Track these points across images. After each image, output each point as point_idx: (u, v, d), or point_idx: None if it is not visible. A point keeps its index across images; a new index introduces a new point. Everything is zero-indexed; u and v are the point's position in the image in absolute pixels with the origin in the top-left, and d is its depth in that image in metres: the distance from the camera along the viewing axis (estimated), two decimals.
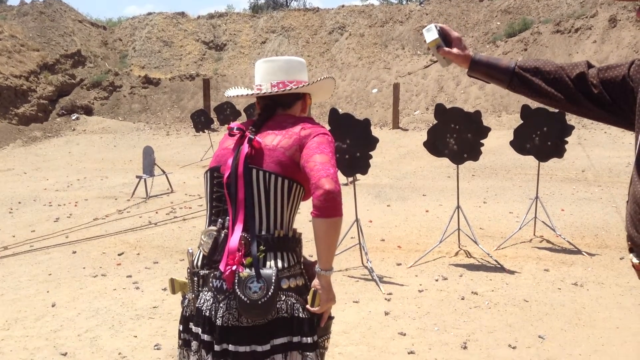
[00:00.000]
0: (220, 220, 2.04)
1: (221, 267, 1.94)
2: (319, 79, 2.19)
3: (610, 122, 1.88)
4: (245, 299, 1.87)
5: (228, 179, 2.01)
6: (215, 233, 2.02)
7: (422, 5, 25.71)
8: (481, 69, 1.96)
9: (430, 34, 1.98)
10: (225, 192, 2.02)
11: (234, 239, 1.94)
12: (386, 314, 4.28)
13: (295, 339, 1.95)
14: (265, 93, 2.13)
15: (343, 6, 26.50)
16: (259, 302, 1.86)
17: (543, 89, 1.88)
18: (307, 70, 2.24)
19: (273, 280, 1.89)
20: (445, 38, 1.99)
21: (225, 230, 2.00)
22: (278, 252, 1.98)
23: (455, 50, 1.96)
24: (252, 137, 2.03)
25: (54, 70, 21.20)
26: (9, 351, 3.78)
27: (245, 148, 2.01)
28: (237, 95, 2.26)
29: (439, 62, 2.06)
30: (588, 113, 1.87)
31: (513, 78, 1.92)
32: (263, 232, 1.98)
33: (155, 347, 3.78)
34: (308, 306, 1.97)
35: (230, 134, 2.11)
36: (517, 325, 4.06)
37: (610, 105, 1.81)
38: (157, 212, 8.03)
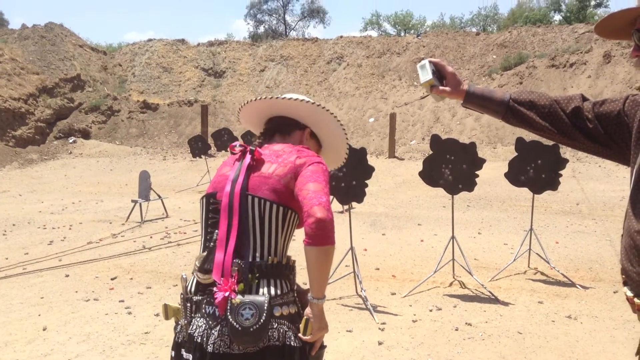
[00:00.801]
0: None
1: (214, 276, 1.93)
2: (328, 108, 2.22)
3: (604, 156, 1.88)
4: (237, 326, 1.84)
5: (226, 197, 2.03)
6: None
7: (419, 37, 26.10)
8: (475, 101, 1.97)
9: (424, 73, 1.97)
10: (222, 214, 2.03)
11: (227, 253, 1.95)
12: (380, 343, 4.26)
13: None
14: (271, 98, 2.17)
15: (341, 37, 26.89)
16: (251, 329, 1.84)
17: (537, 122, 1.89)
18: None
19: (265, 308, 1.87)
20: (439, 73, 1.99)
21: (215, 240, 2.01)
22: (271, 279, 1.96)
23: (448, 89, 1.96)
24: (253, 148, 2.07)
25: (53, 93, 21.33)
26: None
27: (248, 159, 2.05)
28: (250, 101, 2.25)
29: (433, 97, 2.06)
30: (582, 146, 1.88)
31: (507, 111, 1.93)
32: (257, 259, 1.97)
33: None
34: (300, 334, 1.95)
35: (232, 152, 2.15)
36: (510, 357, 4.04)
37: (604, 140, 1.81)
38: (151, 237, 8.01)
